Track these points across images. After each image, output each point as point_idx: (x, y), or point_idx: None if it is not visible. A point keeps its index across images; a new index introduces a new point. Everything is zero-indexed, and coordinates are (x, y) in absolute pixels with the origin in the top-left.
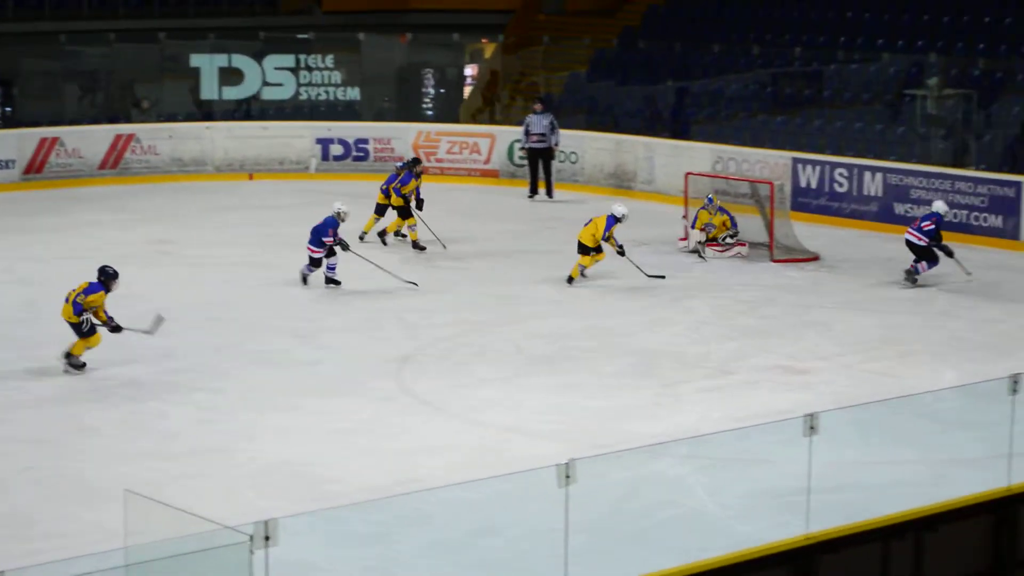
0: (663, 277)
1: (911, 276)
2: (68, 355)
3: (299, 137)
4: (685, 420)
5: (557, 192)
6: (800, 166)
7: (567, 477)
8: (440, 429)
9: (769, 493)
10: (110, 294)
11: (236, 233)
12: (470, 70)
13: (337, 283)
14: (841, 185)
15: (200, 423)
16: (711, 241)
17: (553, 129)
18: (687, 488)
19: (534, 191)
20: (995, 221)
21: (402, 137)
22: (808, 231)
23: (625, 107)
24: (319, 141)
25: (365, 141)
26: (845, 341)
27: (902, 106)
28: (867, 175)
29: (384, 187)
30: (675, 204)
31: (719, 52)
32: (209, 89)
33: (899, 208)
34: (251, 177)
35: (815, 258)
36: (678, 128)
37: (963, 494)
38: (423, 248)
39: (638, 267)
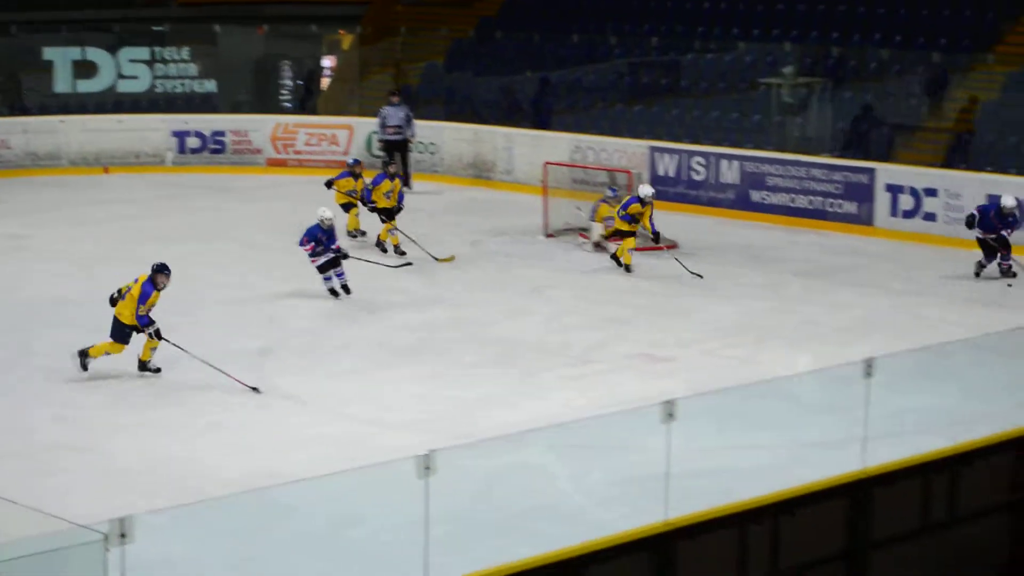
0: (701, 276)
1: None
2: (84, 353)
3: (155, 130)
4: (547, 409)
5: (416, 183)
6: (658, 155)
7: (427, 468)
8: (304, 422)
9: (630, 480)
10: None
11: (92, 228)
12: (328, 61)
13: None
14: (698, 173)
15: (57, 420)
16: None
17: (409, 121)
18: (549, 476)
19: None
20: (849, 207)
21: (260, 129)
22: (666, 219)
23: (483, 97)
24: (175, 134)
25: (222, 133)
26: (704, 328)
27: (757, 95)
28: (724, 163)
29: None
30: (534, 194)
31: (577, 42)
32: (63, 82)
33: (755, 195)
34: (106, 171)
35: (673, 246)
36: (537, 118)
37: (819, 477)
38: (386, 250)
39: (680, 262)
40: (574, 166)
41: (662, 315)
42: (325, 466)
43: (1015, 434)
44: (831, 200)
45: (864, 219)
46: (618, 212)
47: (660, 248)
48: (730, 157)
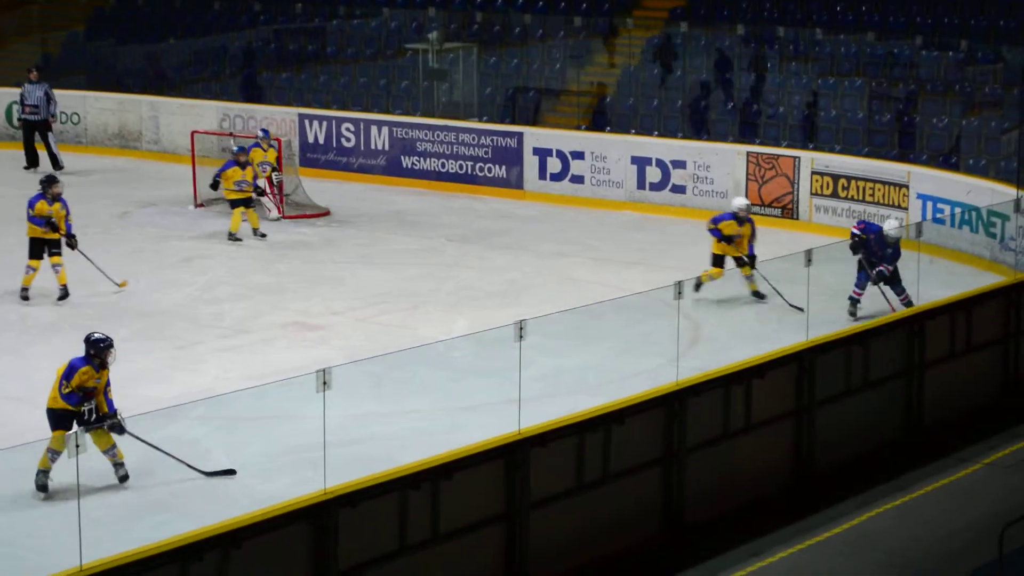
0: (801, 310)
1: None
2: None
3: None
4: (201, 381)
5: (61, 154)
6: (307, 122)
7: (77, 447)
8: None
9: (288, 450)
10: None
11: None
12: None
13: None
14: (348, 140)
15: None
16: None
17: (49, 100)
18: (205, 450)
19: (32, 163)
20: (499, 171)
21: None
22: (317, 186)
23: (127, 66)
24: None
25: None
26: (358, 295)
27: (404, 60)
28: (373, 129)
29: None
30: (182, 164)
31: (220, 10)
32: None
33: (406, 161)
34: None
35: (326, 213)
36: (183, 87)
37: (476, 440)
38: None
39: (778, 292)
40: (223, 134)
41: (315, 283)
42: None
43: (665, 391)
44: (481, 164)
45: (514, 183)
46: (708, 229)
47: (323, 215)
48: (380, 123)
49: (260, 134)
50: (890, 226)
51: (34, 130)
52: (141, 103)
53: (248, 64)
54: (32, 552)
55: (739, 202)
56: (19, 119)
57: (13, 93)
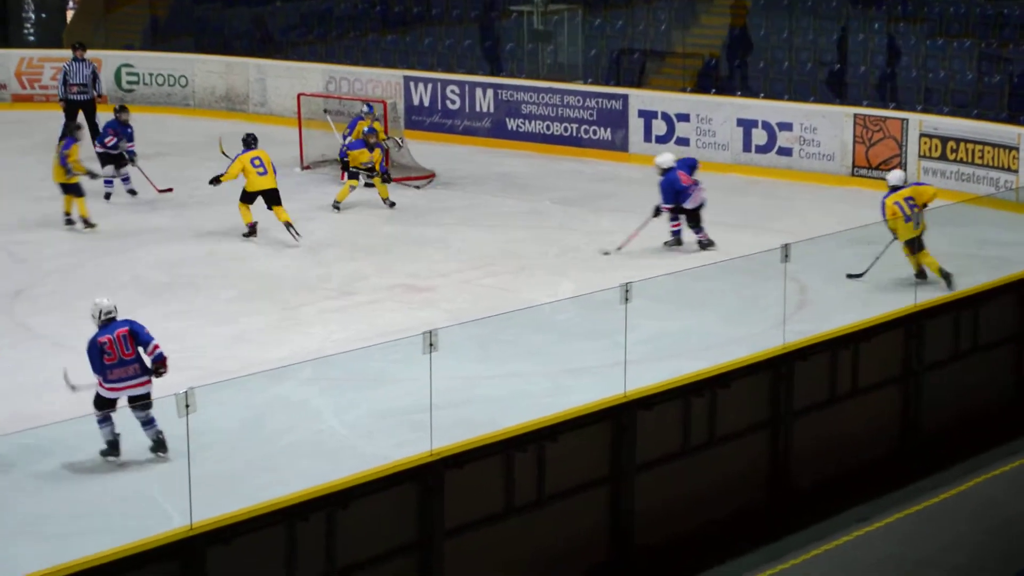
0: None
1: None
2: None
3: None
4: (308, 343)
5: (168, 116)
6: (412, 84)
7: (187, 406)
8: (57, 363)
9: (394, 412)
10: None
11: None
12: None
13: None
14: (453, 103)
15: None
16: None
17: (96, 79)
18: (313, 411)
19: None
20: (604, 134)
21: (3, 64)
22: (423, 149)
23: (234, 29)
24: None
25: None
26: (463, 257)
27: (509, 22)
28: (478, 91)
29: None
30: (289, 126)
31: None
32: None
33: (511, 124)
34: None
35: (431, 176)
36: (289, 49)
37: (582, 403)
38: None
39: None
40: (329, 96)
41: (421, 245)
42: (80, 409)
43: (771, 354)
44: (586, 127)
45: (619, 145)
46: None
47: (420, 178)
48: (484, 85)
49: (365, 109)
50: (895, 177)
51: (78, 110)
52: (248, 66)
53: (354, 27)
54: (143, 510)
55: (895, 175)
56: (61, 99)
57: (123, 56)
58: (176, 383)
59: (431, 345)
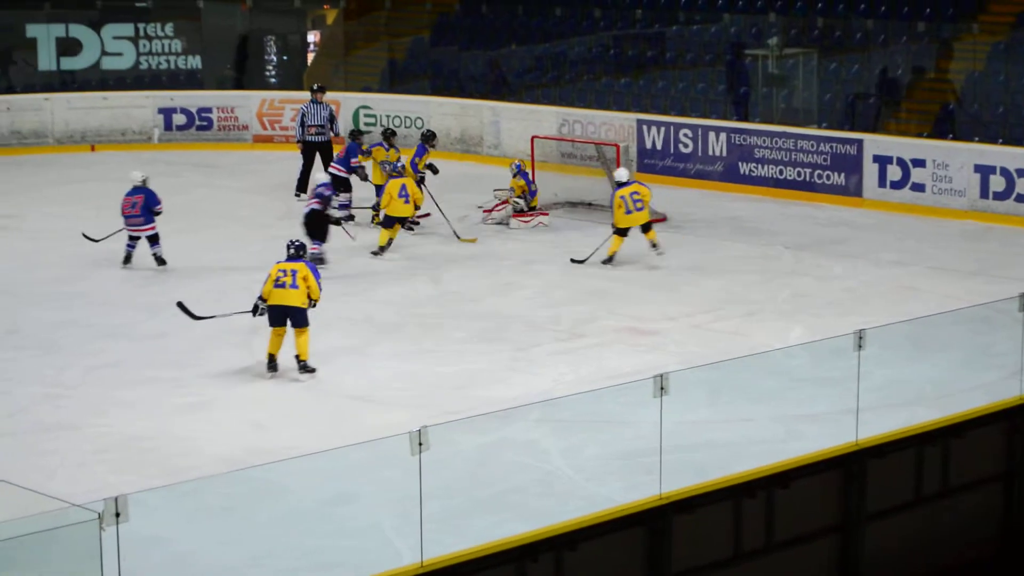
0: None
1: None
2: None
3: (140, 107)
4: (538, 383)
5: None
6: (645, 127)
7: (420, 444)
8: (292, 399)
9: (623, 454)
10: None
11: (79, 206)
12: (313, 36)
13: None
14: (686, 146)
15: (46, 399)
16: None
17: (332, 120)
18: (541, 451)
19: (303, 188)
20: (838, 179)
21: (245, 105)
22: (654, 192)
23: (469, 71)
24: (161, 111)
25: (208, 110)
26: (693, 301)
27: (743, 66)
28: (711, 135)
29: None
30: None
31: (561, 15)
32: (46, 60)
33: (744, 168)
34: (93, 149)
35: (662, 219)
36: (523, 92)
37: (813, 450)
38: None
39: None
40: (562, 139)
41: (649, 289)
42: (314, 444)
43: (1006, 405)
44: (819, 172)
45: (853, 190)
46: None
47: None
48: (717, 129)
49: (512, 168)
50: (621, 174)
51: (315, 151)
52: (482, 108)
53: (588, 70)
54: (374, 546)
55: (622, 172)
56: (298, 140)
57: (362, 98)
58: (406, 422)
59: (662, 388)
